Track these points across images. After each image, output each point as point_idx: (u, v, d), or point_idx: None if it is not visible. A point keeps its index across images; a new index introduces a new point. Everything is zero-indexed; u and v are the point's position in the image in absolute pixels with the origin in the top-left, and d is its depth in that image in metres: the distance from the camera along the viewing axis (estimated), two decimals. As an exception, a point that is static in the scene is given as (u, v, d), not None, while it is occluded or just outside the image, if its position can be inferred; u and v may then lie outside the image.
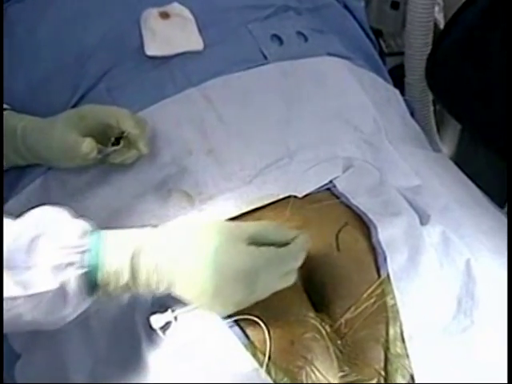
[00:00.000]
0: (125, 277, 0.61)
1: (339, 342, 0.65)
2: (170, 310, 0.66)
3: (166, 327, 0.66)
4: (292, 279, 0.65)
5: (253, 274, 0.61)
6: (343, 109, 0.89)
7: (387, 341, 0.66)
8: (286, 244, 0.64)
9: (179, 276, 0.62)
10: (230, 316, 0.64)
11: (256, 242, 0.62)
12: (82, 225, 0.63)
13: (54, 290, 0.59)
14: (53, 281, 0.59)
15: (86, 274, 0.60)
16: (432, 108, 1.24)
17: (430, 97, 1.20)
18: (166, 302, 0.67)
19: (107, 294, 0.63)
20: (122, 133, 0.79)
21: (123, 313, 0.70)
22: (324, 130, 0.86)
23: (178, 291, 0.63)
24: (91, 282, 0.61)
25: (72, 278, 0.60)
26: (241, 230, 0.64)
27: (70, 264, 0.60)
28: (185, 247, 0.62)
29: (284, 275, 0.64)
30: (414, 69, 1.17)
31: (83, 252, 0.61)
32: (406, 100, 1.08)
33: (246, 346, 0.63)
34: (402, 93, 1.11)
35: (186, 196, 0.79)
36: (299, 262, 0.65)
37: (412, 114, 1.10)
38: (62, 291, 0.60)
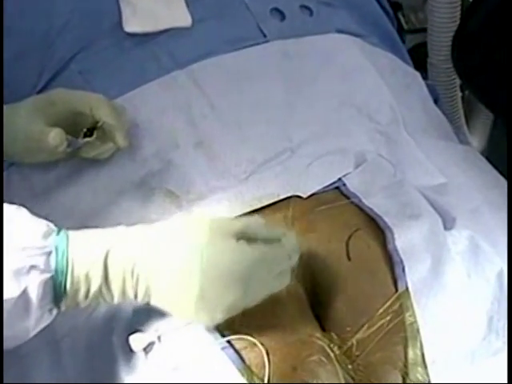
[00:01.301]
0: (96, 282, 0.61)
1: (350, 366, 0.66)
2: (152, 329, 0.67)
3: (148, 349, 0.67)
4: (287, 280, 0.66)
5: (244, 273, 0.62)
6: (354, 95, 0.90)
7: (406, 365, 0.66)
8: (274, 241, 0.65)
9: (159, 278, 0.62)
10: (223, 336, 0.65)
11: (246, 237, 0.63)
12: (44, 223, 0.62)
13: (15, 297, 0.57)
14: (13, 287, 0.58)
15: (51, 278, 0.60)
16: (459, 94, 1.25)
17: (458, 81, 1.21)
18: (148, 320, 0.68)
19: (76, 303, 0.62)
20: (97, 122, 0.80)
21: (98, 333, 0.71)
22: (332, 120, 0.87)
23: (158, 296, 0.63)
24: (58, 289, 0.60)
25: (35, 283, 0.58)
26: (229, 224, 0.65)
27: (33, 267, 0.59)
28: (165, 245, 0.63)
29: (277, 275, 0.64)
30: (438, 48, 1.17)
31: (48, 253, 0.60)
32: (428, 85, 1.09)
33: (241, 370, 0.63)
34: (425, 76, 1.12)
35: (172, 196, 0.80)
36: (293, 261, 0.66)
37: (436, 101, 1.11)
38: (23, 299, 0.58)
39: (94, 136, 0.80)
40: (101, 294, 0.62)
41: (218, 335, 0.65)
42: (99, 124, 0.80)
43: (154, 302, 0.64)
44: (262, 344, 0.64)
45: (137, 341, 0.66)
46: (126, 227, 0.65)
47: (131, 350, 0.67)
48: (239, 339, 0.65)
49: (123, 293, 0.62)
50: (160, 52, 0.90)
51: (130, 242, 0.63)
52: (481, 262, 0.73)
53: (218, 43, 0.91)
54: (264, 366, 0.63)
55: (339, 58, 0.94)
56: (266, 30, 0.94)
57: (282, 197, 0.77)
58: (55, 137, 0.76)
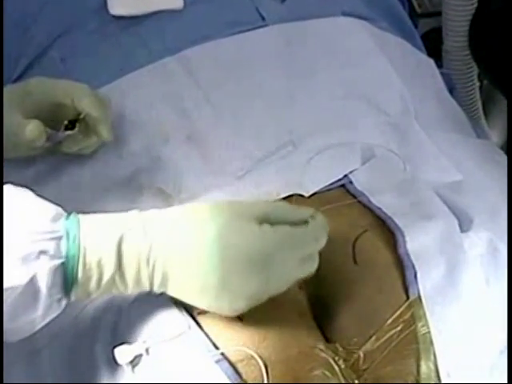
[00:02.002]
0: (110, 269, 0.61)
1: (356, 381, 0.66)
2: (140, 340, 0.66)
3: (135, 362, 0.66)
4: (314, 265, 0.66)
5: (267, 258, 0.62)
6: (362, 84, 0.90)
7: (418, 380, 0.66)
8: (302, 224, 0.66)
9: (176, 265, 0.62)
10: (216, 347, 0.65)
11: (268, 221, 0.64)
12: (53, 207, 0.63)
13: (22, 285, 0.58)
14: (21, 274, 0.58)
15: (62, 265, 0.60)
16: (477, 84, 1.24)
17: (476, 69, 1.21)
18: (136, 330, 0.67)
19: (87, 292, 0.62)
20: (79, 114, 0.79)
21: (80, 343, 0.71)
22: (337, 111, 0.87)
23: (175, 285, 0.63)
24: (69, 277, 0.61)
25: (45, 270, 0.59)
26: (250, 207, 0.65)
27: (42, 253, 0.59)
28: (183, 229, 0.63)
29: (304, 260, 0.65)
30: (454, 33, 1.17)
31: (58, 238, 0.60)
32: (443, 73, 1.09)
33: (237, 386, 0.64)
34: (439, 64, 1.12)
35: (162, 195, 0.80)
36: (321, 244, 0.67)
37: (451, 92, 1.11)
38: (32, 287, 0.58)
39: (76, 129, 0.80)
40: (114, 282, 0.62)
41: (211, 347, 0.65)
42: (81, 116, 0.79)
43: (170, 292, 0.64)
44: (259, 356, 0.64)
45: (123, 353, 0.66)
46: (139, 211, 0.65)
47: (116, 363, 0.66)
48: (235, 351, 0.64)
49: (138, 281, 0.63)
50: (149, 37, 0.90)
51: (145, 227, 0.63)
52: (501, 267, 0.72)
53: (212, 27, 0.91)
54: (262, 381, 0.63)
55: (345, 44, 0.94)
56: (265, 13, 0.95)
57: (282, 195, 0.77)
58: (33, 130, 0.76)
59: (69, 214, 0.63)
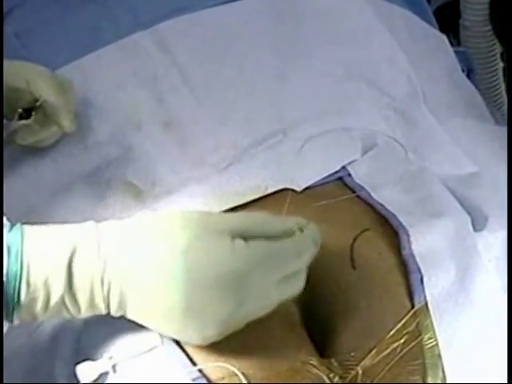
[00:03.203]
0: (58, 290, 0.61)
1: None
2: (105, 356, 0.67)
3: (100, 381, 0.67)
4: (298, 286, 0.65)
5: (240, 279, 0.62)
6: (363, 63, 0.91)
7: (424, 400, 0.67)
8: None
9: (136, 286, 0.62)
10: (194, 363, 0.65)
11: (244, 235, 0.63)
12: None
13: None
14: None
15: (3, 285, 0.60)
16: (500, 64, 1.25)
17: (498, 48, 1.21)
18: (100, 345, 0.68)
19: (32, 315, 0.62)
20: (35, 101, 0.80)
21: (39, 361, 0.71)
22: (334, 94, 0.88)
23: (135, 309, 0.63)
24: (10, 298, 0.60)
25: None
26: (222, 219, 0.65)
27: None
28: (144, 245, 0.63)
29: (285, 280, 0.64)
30: (473, 6, 1.17)
31: None
32: (461, 52, 1.10)
33: (216, 408, 0.64)
34: (456, 42, 1.13)
35: (133, 190, 0.81)
36: (305, 261, 0.66)
37: (469, 73, 1.11)
38: None
39: (32, 118, 0.80)
40: (63, 305, 0.62)
41: (188, 363, 0.65)
42: (38, 103, 0.80)
43: (130, 316, 0.64)
44: (243, 373, 0.64)
45: (86, 371, 0.66)
46: (95, 222, 0.65)
47: (79, 383, 0.66)
48: (215, 368, 0.65)
49: (92, 304, 0.62)
50: (117, 8, 0.90)
51: (101, 242, 0.62)
52: (520, 272, 0.73)
53: (190, -3, 0.91)
54: None
55: (344, 18, 0.95)
56: None
57: (270, 190, 0.78)
58: None
59: (12, 224, 0.63)
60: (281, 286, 0.64)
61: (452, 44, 1.08)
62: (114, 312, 0.63)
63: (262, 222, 0.65)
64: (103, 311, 0.63)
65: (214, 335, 0.63)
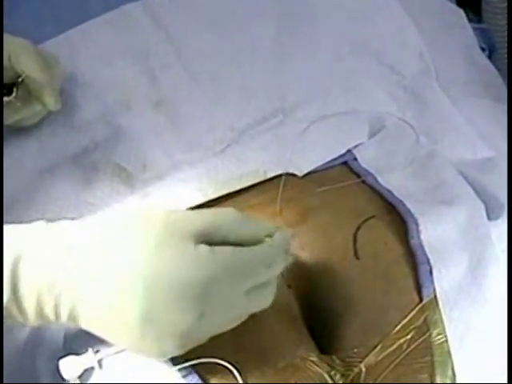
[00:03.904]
0: (3, 296, 0.60)
1: None
2: (90, 350, 0.67)
3: (84, 377, 0.67)
4: (267, 298, 0.65)
5: (202, 289, 0.60)
6: (371, 38, 0.91)
7: (432, 400, 0.67)
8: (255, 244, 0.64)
9: (89, 294, 0.61)
10: (186, 359, 0.65)
11: (208, 240, 0.62)
12: None
13: None
14: None
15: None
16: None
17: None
18: (85, 338, 0.67)
19: None
20: (18, 77, 0.80)
21: (21, 356, 0.72)
22: (340, 72, 0.88)
23: (88, 319, 0.62)
24: None
25: None
26: (186, 222, 0.63)
27: None
28: (97, 251, 0.62)
29: (254, 291, 0.63)
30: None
31: None
32: (480, 29, 1.10)
33: (209, 406, 0.64)
34: (477, 19, 1.12)
35: (122, 173, 0.81)
36: (276, 271, 0.65)
37: (491, 52, 1.11)
38: None
39: (14, 95, 0.80)
40: (9, 313, 0.62)
41: (178, 358, 0.65)
42: (21, 78, 0.80)
43: (84, 326, 0.63)
44: (237, 370, 0.65)
45: (70, 366, 0.67)
46: (46, 223, 0.64)
47: (62, 379, 0.67)
48: (207, 364, 0.65)
49: (40, 313, 0.62)
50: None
51: (51, 245, 0.62)
52: (537, 264, 0.73)
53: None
54: None
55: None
56: None
57: (270, 175, 0.78)
58: None
59: None
60: (248, 298, 0.63)
61: (472, 21, 1.07)
62: (65, 322, 0.63)
63: (234, 224, 0.64)
64: (54, 321, 0.63)
65: (174, 348, 0.63)
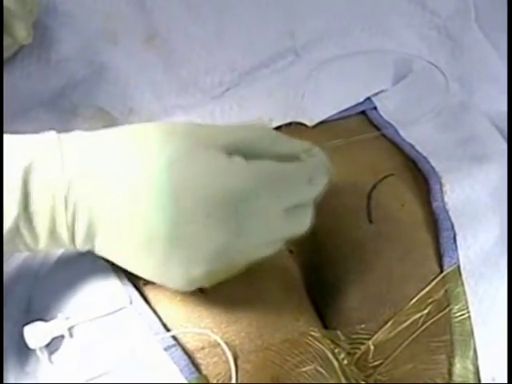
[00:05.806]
0: (11, 213, 0.60)
1: (363, 382, 0.68)
2: (60, 316, 0.69)
3: (53, 347, 0.69)
4: (305, 221, 0.65)
5: (238, 203, 0.61)
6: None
7: (451, 384, 0.68)
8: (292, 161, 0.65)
9: (109, 209, 0.61)
10: (166, 329, 0.67)
11: (241, 153, 0.63)
12: None
13: None
14: None
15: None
16: None
17: None
18: (55, 303, 0.70)
19: None
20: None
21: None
22: (362, 6, 0.89)
23: (107, 239, 0.63)
24: None
25: None
26: (215, 132, 0.64)
27: None
28: (118, 161, 0.62)
29: (292, 211, 0.64)
30: None
31: None
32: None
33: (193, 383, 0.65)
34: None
35: (105, 117, 0.83)
36: (317, 189, 0.66)
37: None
38: None
39: None
40: (18, 232, 0.62)
41: (160, 328, 0.67)
42: None
43: (99, 250, 0.64)
44: (227, 344, 0.66)
45: (36, 334, 0.68)
46: (57, 133, 0.64)
47: (28, 348, 0.68)
48: (193, 335, 0.66)
49: (53, 233, 0.62)
50: None
51: (65, 155, 0.62)
52: None
53: None
54: (230, 378, 0.65)
55: None
56: None
57: (275, 124, 0.80)
58: None
59: None
60: (287, 218, 0.64)
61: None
62: (80, 243, 0.64)
63: (266, 139, 0.65)
64: (67, 242, 0.63)
65: (201, 276, 0.63)
